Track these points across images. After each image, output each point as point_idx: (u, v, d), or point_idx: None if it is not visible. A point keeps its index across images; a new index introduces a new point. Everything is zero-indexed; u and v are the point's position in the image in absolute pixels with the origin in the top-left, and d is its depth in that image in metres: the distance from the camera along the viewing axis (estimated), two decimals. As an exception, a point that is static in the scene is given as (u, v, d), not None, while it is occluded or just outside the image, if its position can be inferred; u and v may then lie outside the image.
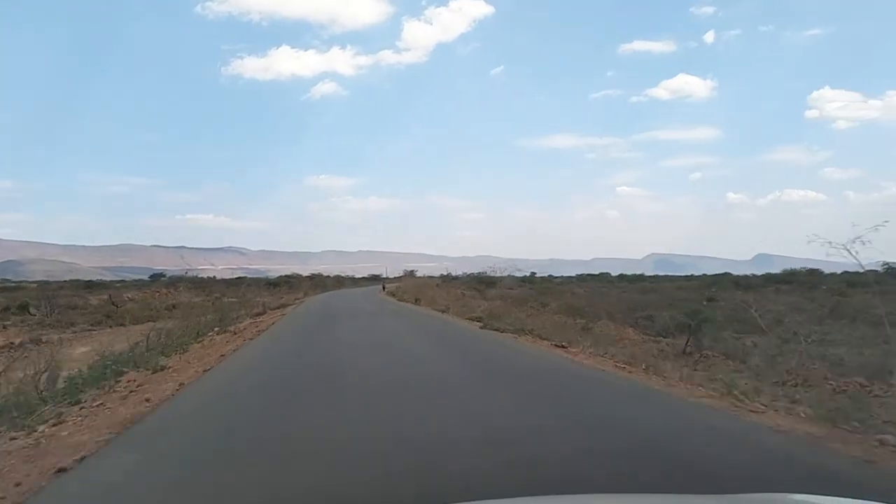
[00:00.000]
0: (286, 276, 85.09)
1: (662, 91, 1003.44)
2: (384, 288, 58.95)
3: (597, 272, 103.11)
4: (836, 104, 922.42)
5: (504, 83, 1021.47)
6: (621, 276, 77.95)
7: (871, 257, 7.79)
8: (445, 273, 73.37)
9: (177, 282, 58.34)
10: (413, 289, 46.47)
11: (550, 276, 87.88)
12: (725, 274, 73.88)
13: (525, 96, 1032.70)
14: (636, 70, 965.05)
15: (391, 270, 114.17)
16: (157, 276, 79.18)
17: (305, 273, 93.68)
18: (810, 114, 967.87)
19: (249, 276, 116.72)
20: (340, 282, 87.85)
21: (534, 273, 78.08)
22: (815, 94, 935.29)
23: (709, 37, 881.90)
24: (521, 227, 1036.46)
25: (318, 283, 76.78)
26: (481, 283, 49.61)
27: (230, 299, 33.25)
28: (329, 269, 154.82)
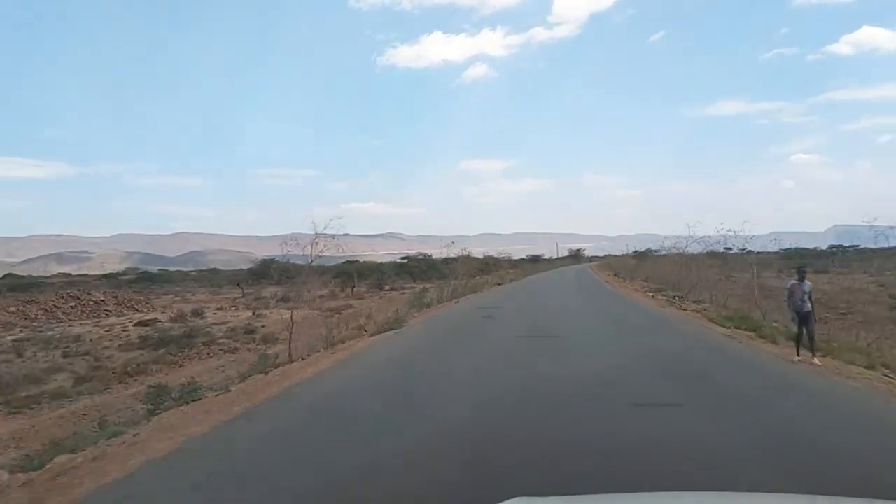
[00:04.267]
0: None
1: (844, 46, 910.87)
2: None
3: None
4: None
5: (664, 50, 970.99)
6: None
7: None
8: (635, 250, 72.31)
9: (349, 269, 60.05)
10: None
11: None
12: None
13: (687, 63, 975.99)
14: (813, 25, 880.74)
15: (550, 251, 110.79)
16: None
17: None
18: None
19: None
20: (492, 265, 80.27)
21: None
22: None
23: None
24: (682, 202, 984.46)
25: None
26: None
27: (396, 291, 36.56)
28: (485, 252, 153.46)
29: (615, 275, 44.16)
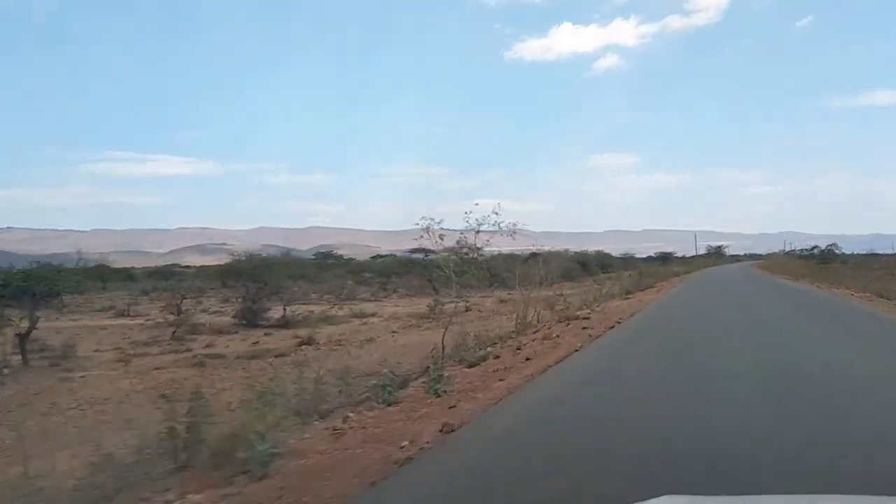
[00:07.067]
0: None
1: None
2: None
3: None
4: None
5: (811, 37, 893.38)
6: None
7: None
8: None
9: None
10: None
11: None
12: None
13: (837, 49, 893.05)
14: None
15: (684, 249, 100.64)
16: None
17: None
18: None
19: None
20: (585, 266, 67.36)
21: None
22: None
23: None
24: (830, 199, 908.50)
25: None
26: None
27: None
28: (612, 249, 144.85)
29: None
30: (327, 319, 17.05)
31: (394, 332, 16.32)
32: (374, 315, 20.50)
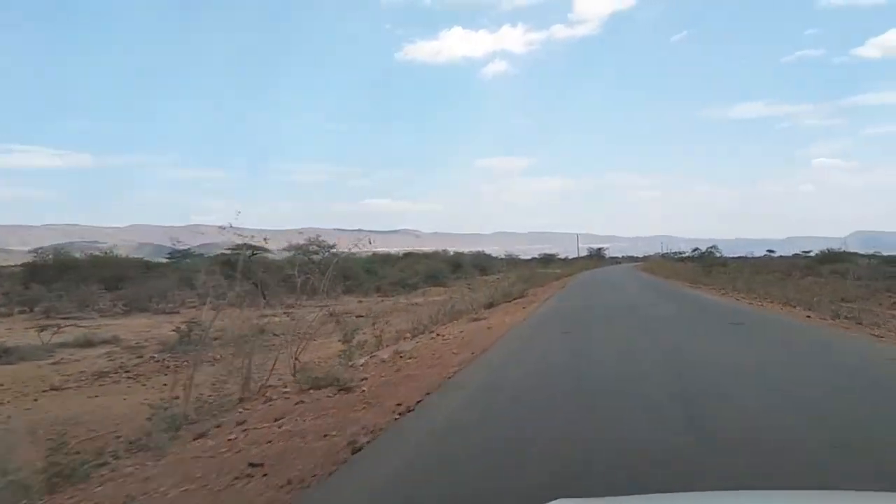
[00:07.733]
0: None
1: (871, 49, 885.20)
2: None
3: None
4: None
5: (686, 51, 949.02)
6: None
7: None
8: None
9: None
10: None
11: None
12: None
13: (709, 64, 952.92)
14: (839, 27, 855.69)
15: (567, 251, 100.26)
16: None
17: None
18: None
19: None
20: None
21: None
22: None
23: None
24: (703, 204, 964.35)
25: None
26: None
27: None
28: (499, 250, 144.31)
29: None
30: (6, 354, 11.98)
31: (54, 388, 10.45)
32: (106, 343, 14.85)
